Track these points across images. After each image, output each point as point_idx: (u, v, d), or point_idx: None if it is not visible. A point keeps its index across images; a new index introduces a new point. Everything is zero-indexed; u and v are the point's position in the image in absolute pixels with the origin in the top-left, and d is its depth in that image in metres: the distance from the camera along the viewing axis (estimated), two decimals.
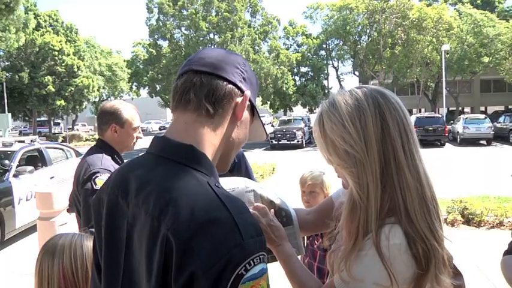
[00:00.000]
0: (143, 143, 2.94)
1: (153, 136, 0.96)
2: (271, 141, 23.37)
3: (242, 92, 0.92)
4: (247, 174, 2.66)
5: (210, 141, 0.89)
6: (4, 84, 31.25)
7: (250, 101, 0.94)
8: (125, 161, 1.19)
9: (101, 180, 1.98)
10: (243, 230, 0.72)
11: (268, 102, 41.46)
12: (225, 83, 0.90)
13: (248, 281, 0.71)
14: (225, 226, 0.73)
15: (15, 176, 6.60)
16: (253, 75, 0.99)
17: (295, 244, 1.35)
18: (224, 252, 0.70)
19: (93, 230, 1.02)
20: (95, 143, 2.38)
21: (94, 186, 1.98)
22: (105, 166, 2.08)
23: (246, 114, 0.94)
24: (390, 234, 0.95)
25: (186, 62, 0.95)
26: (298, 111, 45.31)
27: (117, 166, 2.14)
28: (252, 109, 0.98)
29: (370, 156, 0.98)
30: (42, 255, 1.41)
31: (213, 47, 33.13)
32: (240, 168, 2.68)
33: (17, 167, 6.75)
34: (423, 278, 0.96)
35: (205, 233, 0.72)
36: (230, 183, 1.39)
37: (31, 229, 6.49)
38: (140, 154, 0.96)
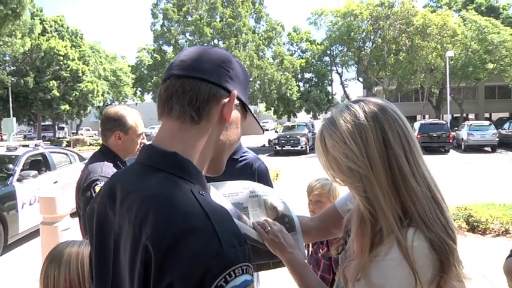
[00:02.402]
0: None
1: None
2: (275, 147, 23.38)
3: (229, 92, 0.89)
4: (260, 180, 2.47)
5: (196, 147, 0.87)
6: (9, 88, 31.47)
7: (239, 98, 0.91)
8: None
9: (100, 188, 1.97)
10: (223, 240, 0.69)
11: (272, 108, 41.46)
12: (208, 85, 0.86)
13: None
14: (204, 235, 0.70)
15: (19, 180, 6.62)
16: (241, 70, 0.94)
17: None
18: (202, 262, 0.67)
19: None
20: (98, 147, 2.37)
21: (93, 194, 1.97)
22: (106, 173, 2.06)
23: (235, 113, 0.91)
24: (414, 237, 0.96)
25: (169, 66, 0.92)
26: (302, 117, 45.28)
27: None
28: (244, 106, 0.95)
29: (375, 170, 0.99)
30: (48, 263, 1.38)
31: None
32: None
33: (20, 172, 6.76)
34: (442, 280, 0.97)
35: (184, 242, 0.69)
36: (234, 188, 1.38)
37: (34, 234, 6.50)
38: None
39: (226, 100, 0.88)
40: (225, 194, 1.38)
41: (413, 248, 0.95)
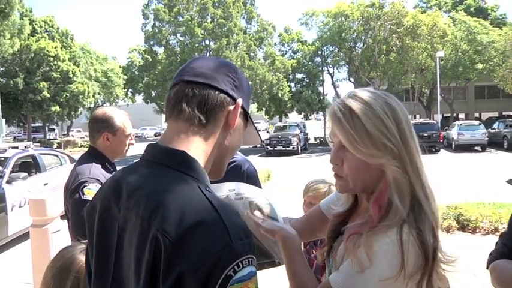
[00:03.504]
0: (137, 150, 2.91)
1: (148, 142, 0.98)
2: (267, 148, 23.39)
3: (234, 100, 0.94)
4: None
5: (203, 149, 0.91)
6: None
7: (243, 107, 0.96)
8: (118, 167, 1.19)
9: (88, 190, 1.95)
10: (232, 232, 0.73)
11: (264, 109, 41.47)
12: (217, 92, 0.92)
13: (237, 282, 0.71)
14: (214, 228, 0.73)
15: (8, 182, 6.55)
16: (245, 82, 1.00)
17: (279, 252, 1.34)
18: (213, 253, 0.70)
19: (84, 240, 1.00)
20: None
21: (82, 196, 1.95)
22: (94, 175, 2.05)
23: (239, 120, 0.96)
24: (411, 225, 1.00)
25: (178, 72, 0.97)
26: (294, 117, 45.38)
27: (107, 174, 2.12)
28: (245, 115, 0.99)
29: (407, 149, 1.05)
30: (56, 269, 1.32)
31: (208, 53, 33.29)
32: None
33: (10, 173, 6.70)
34: (427, 269, 1.00)
35: (195, 234, 0.72)
36: (220, 191, 1.38)
37: (24, 236, 6.43)
38: (135, 161, 0.97)
39: (231, 107, 0.93)
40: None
41: (410, 235, 0.99)
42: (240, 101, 0.94)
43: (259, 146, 27.26)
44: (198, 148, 0.90)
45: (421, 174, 1.06)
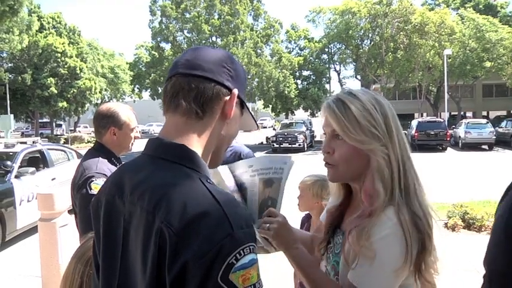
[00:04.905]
0: (143, 145, 2.92)
1: None
2: (273, 145, 23.38)
3: (230, 90, 0.94)
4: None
5: (201, 142, 0.93)
6: (7, 85, 31.35)
7: (239, 96, 0.97)
8: (123, 162, 1.21)
9: (96, 185, 1.98)
10: (233, 222, 0.76)
11: (270, 106, 41.46)
12: (212, 84, 0.92)
13: (239, 270, 0.74)
14: (216, 218, 0.76)
15: (17, 177, 6.62)
16: (241, 70, 1.01)
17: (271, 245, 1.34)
18: (215, 242, 0.73)
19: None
20: None
21: (89, 191, 1.97)
22: (101, 170, 2.08)
23: (235, 110, 0.97)
24: (404, 209, 1.09)
25: (174, 65, 0.97)
26: (300, 114, 45.26)
27: (114, 169, 2.13)
28: (242, 103, 1.01)
29: (392, 140, 1.15)
30: (79, 260, 1.29)
31: None
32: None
33: (18, 168, 6.77)
34: (421, 256, 1.08)
35: (197, 224, 0.75)
36: (242, 167, 1.39)
37: (32, 230, 6.51)
38: (136, 156, 0.99)
39: (227, 98, 0.94)
40: (234, 175, 1.41)
41: (407, 219, 1.07)
42: (235, 91, 0.95)
43: (265, 143, 27.29)
44: (196, 141, 0.92)
45: (408, 165, 1.16)
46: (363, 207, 1.15)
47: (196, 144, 0.92)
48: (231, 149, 2.53)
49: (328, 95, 39.58)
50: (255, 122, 1.12)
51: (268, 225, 1.28)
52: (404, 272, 1.06)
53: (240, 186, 1.39)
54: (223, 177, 1.37)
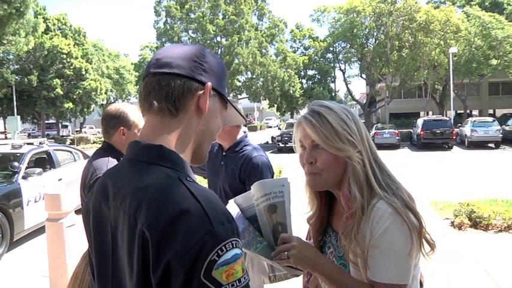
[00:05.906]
0: None
1: None
2: (278, 144, 23.39)
3: (203, 84, 0.93)
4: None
5: (178, 140, 0.92)
6: (13, 87, 31.57)
7: (215, 89, 0.95)
8: None
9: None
10: (213, 218, 0.76)
11: (275, 105, 41.44)
12: (183, 79, 0.91)
13: (221, 266, 0.73)
14: (195, 216, 0.76)
15: (24, 177, 6.67)
16: (216, 62, 0.98)
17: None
18: (196, 240, 0.73)
19: None
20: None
21: None
22: None
23: (213, 104, 0.95)
24: (392, 199, 1.18)
25: (147, 65, 0.97)
26: None
27: None
28: (222, 97, 0.99)
29: (364, 145, 1.25)
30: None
31: (220, 49, 33.33)
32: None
33: (25, 169, 6.81)
34: (421, 231, 1.19)
35: (177, 223, 0.75)
36: (249, 199, 1.39)
37: (39, 230, 6.55)
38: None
39: (201, 92, 0.92)
40: (242, 208, 1.41)
41: (400, 206, 1.17)
42: (209, 84, 0.93)
43: (270, 142, 27.27)
44: (173, 139, 0.91)
45: (379, 163, 1.27)
46: (344, 211, 1.23)
47: (174, 142, 0.91)
48: (243, 150, 2.50)
49: (333, 94, 39.56)
50: (241, 115, 1.12)
51: (286, 253, 1.26)
52: (415, 250, 1.16)
53: (251, 219, 1.38)
54: (234, 215, 1.32)
